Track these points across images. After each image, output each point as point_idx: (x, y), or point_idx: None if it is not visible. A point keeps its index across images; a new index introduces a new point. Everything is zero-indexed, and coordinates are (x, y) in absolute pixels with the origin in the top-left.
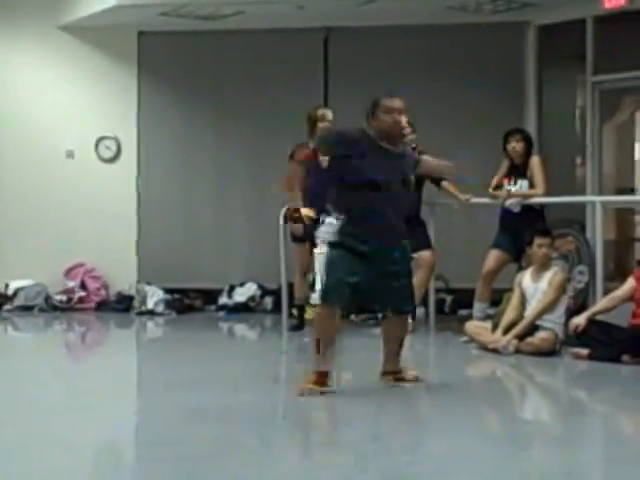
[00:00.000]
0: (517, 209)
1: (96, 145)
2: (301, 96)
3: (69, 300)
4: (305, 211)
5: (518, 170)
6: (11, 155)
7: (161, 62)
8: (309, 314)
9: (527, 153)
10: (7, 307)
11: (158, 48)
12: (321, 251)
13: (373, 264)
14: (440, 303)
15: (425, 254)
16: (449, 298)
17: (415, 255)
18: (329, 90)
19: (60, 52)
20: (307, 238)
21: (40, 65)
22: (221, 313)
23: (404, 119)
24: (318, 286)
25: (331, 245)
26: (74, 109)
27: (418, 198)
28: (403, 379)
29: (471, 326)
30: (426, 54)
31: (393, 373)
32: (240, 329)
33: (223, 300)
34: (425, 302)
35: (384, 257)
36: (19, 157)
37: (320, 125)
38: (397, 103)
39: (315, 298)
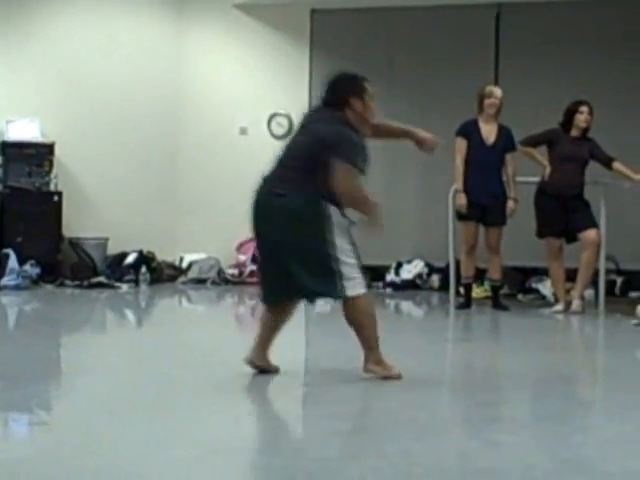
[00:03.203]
0: None
1: (268, 122)
2: (472, 73)
3: (240, 274)
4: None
5: None
6: (188, 131)
7: (333, 39)
8: (476, 293)
9: None
10: (181, 279)
11: (330, 25)
12: None
13: None
14: (610, 285)
15: (590, 233)
16: (619, 279)
17: (580, 235)
18: (499, 67)
19: (235, 30)
20: (472, 216)
21: (216, 43)
22: (388, 290)
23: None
24: None
25: None
26: (247, 86)
27: (581, 177)
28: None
29: None
30: (603, 28)
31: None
32: (407, 306)
33: (390, 277)
34: (595, 283)
35: None
36: (195, 133)
37: (487, 102)
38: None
39: None
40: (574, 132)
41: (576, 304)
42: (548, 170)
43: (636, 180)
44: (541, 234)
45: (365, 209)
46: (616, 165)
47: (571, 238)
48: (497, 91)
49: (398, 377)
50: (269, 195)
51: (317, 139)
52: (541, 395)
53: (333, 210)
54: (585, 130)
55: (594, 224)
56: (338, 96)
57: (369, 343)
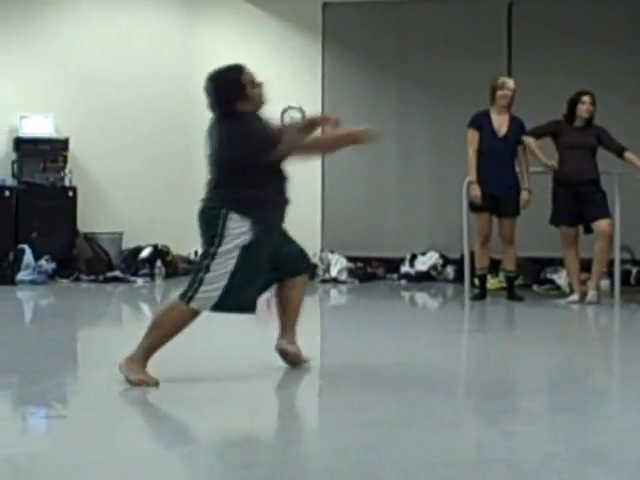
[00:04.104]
0: None
1: (282, 115)
2: (484, 64)
3: None
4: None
5: None
6: (200, 125)
7: (345, 33)
8: (491, 284)
9: None
10: None
11: (342, 19)
12: None
13: None
14: (626, 274)
15: (602, 223)
16: (635, 269)
17: (592, 225)
18: (512, 59)
19: (246, 24)
20: (486, 208)
21: (227, 37)
22: (403, 281)
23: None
24: None
25: None
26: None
27: (590, 164)
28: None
29: None
30: (614, 20)
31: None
32: (422, 298)
33: (405, 269)
34: (610, 273)
35: None
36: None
37: (499, 93)
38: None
39: None
40: (578, 122)
41: (591, 294)
42: (555, 161)
43: None
44: (555, 222)
45: (344, 141)
46: (628, 155)
47: (588, 228)
48: (510, 82)
49: None
50: None
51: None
52: (557, 385)
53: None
54: (589, 120)
55: (606, 214)
56: (225, 108)
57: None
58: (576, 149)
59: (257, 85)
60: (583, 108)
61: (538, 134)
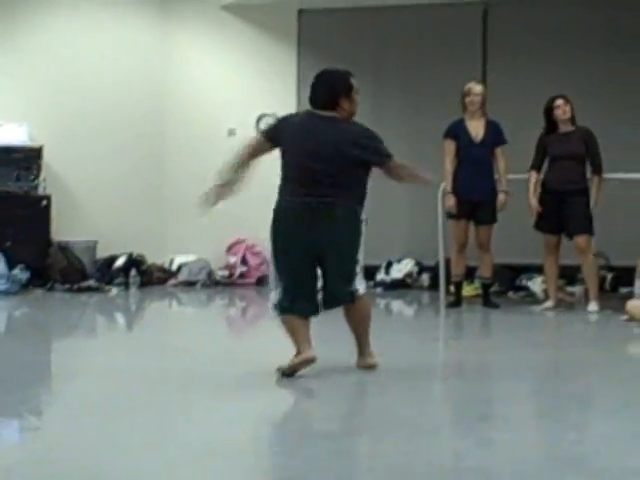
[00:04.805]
0: None
1: (257, 123)
2: (460, 70)
3: (230, 275)
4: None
5: None
6: (176, 133)
7: (321, 39)
8: (467, 291)
9: None
10: (171, 282)
11: (318, 26)
12: None
13: None
14: (601, 280)
15: (579, 240)
16: (610, 275)
17: (573, 239)
18: (487, 64)
19: (222, 31)
20: (463, 215)
21: (203, 44)
22: (379, 289)
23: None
24: None
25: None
26: (235, 87)
27: (577, 173)
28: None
29: (633, 304)
30: (588, 24)
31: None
32: (397, 305)
33: (381, 276)
34: (584, 280)
35: None
36: (184, 135)
37: (467, 100)
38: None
39: None
40: (562, 128)
41: (592, 305)
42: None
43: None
44: (538, 227)
45: (415, 178)
46: (595, 179)
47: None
48: (476, 87)
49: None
50: (312, 203)
51: (348, 144)
52: (533, 392)
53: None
54: (572, 120)
55: (585, 229)
56: (329, 98)
57: (368, 337)
58: (563, 159)
59: (357, 94)
60: (559, 112)
61: (538, 165)
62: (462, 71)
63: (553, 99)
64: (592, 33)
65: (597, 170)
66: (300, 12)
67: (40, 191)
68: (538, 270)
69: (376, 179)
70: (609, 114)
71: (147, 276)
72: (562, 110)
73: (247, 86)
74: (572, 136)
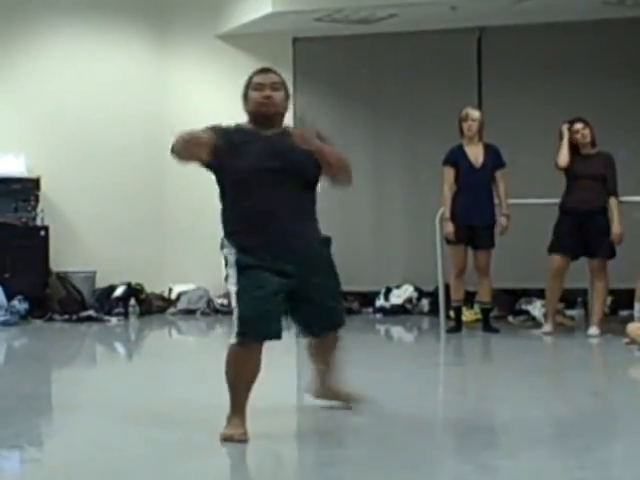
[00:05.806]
0: None
1: None
2: (456, 95)
3: (230, 304)
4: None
5: None
6: (173, 162)
7: (316, 67)
8: (466, 316)
9: None
10: (171, 310)
11: (313, 53)
12: None
13: None
14: None
15: (596, 263)
16: (609, 298)
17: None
18: (483, 91)
19: (218, 61)
20: (461, 240)
21: (199, 74)
22: (378, 315)
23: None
24: None
25: None
26: (232, 116)
27: (596, 193)
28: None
29: (633, 327)
30: (585, 52)
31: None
32: (397, 331)
33: (380, 302)
34: (584, 303)
35: None
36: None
37: (464, 125)
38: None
39: None
40: (583, 151)
41: (593, 329)
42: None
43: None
44: (551, 249)
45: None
46: (611, 201)
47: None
48: (473, 113)
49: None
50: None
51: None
52: (536, 418)
53: None
54: (592, 143)
55: (604, 253)
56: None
57: (336, 365)
58: (584, 178)
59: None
60: (578, 136)
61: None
62: (458, 96)
63: (572, 122)
64: (585, 59)
65: (613, 192)
66: (295, 40)
67: (38, 222)
68: (537, 294)
69: (376, 207)
70: (604, 138)
71: (146, 305)
72: (581, 134)
73: (243, 115)
74: (594, 158)
